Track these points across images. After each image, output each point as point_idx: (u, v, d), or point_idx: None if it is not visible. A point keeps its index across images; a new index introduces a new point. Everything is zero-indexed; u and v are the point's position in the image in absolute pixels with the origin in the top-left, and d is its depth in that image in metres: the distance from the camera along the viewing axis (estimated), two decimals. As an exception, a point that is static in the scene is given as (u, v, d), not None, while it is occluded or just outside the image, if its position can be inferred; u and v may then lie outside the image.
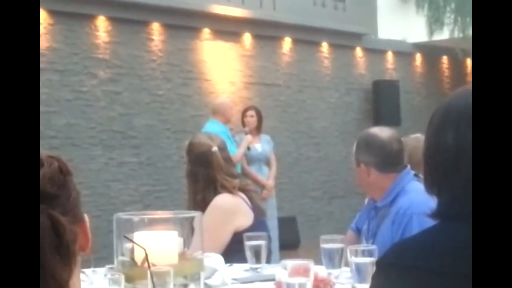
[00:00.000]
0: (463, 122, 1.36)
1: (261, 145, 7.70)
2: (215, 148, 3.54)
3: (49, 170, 1.22)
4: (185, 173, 3.66)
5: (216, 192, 3.47)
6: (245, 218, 3.47)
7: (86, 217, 1.27)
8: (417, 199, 2.95)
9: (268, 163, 7.71)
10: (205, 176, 3.50)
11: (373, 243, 3.04)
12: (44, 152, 1.23)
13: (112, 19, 8.67)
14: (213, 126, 6.99)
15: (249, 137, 7.56)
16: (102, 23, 8.61)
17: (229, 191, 3.48)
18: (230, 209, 3.46)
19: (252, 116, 7.78)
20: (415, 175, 3.25)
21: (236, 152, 7.06)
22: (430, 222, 1.44)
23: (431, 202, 1.43)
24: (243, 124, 7.80)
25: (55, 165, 1.25)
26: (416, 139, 4.21)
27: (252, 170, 7.54)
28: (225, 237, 3.41)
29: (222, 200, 3.45)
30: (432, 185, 1.44)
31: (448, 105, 1.43)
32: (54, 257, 1.11)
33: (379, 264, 1.44)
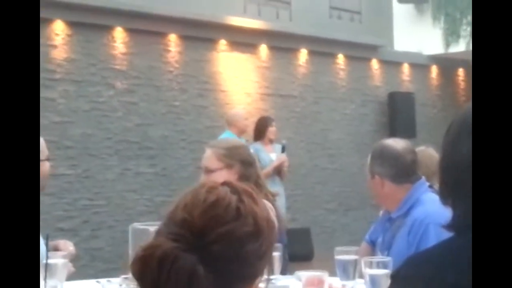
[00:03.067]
0: None
1: (275, 155, 7.74)
2: (251, 148, 3.59)
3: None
4: (236, 179, 3.57)
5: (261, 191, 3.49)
6: None
7: None
8: (433, 209, 2.95)
9: (280, 173, 7.75)
10: (256, 175, 3.56)
11: (388, 254, 3.04)
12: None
13: (129, 30, 8.72)
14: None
15: (283, 157, 7.62)
16: (119, 34, 8.66)
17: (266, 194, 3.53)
18: None
19: (275, 127, 7.89)
20: (430, 186, 3.25)
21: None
22: (447, 232, 1.44)
23: (447, 212, 1.43)
24: (261, 134, 7.81)
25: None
26: (423, 152, 4.20)
27: (266, 181, 7.55)
28: None
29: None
30: (447, 196, 1.44)
31: (464, 116, 1.43)
32: None
33: (394, 276, 1.44)
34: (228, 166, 3.55)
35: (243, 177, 3.51)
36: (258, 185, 3.49)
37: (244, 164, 3.55)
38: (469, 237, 1.35)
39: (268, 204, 3.51)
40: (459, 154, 1.39)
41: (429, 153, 4.05)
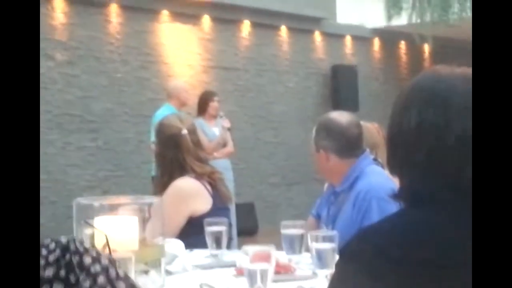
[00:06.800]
0: (426, 102, 1.38)
1: (218, 129, 7.70)
2: (184, 131, 3.51)
3: None
4: (154, 154, 3.67)
5: (182, 175, 3.46)
6: (202, 203, 3.44)
7: None
8: (376, 181, 2.97)
9: (225, 146, 7.77)
10: (174, 158, 3.48)
11: (333, 228, 3.05)
12: None
13: (69, 0, 8.55)
14: (166, 111, 6.88)
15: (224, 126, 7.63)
16: (59, 4, 8.48)
17: (197, 175, 3.46)
18: (187, 192, 3.44)
19: (218, 101, 7.82)
20: (374, 159, 3.26)
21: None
22: (390, 206, 1.44)
23: (391, 184, 1.43)
24: (204, 108, 7.75)
25: None
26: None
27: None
28: (180, 220, 3.39)
29: (181, 183, 3.44)
30: (394, 166, 1.44)
31: (413, 85, 1.44)
32: None
33: (342, 252, 1.43)
34: (155, 143, 3.68)
35: (160, 155, 3.60)
36: (182, 168, 3.47)
37: (161, 143, 3.59)
38: (418, 211, 1.35)
39: (204, 182, 3.52)
40: (407, 121, 1.39)
41: (366, 126, 4.06)
